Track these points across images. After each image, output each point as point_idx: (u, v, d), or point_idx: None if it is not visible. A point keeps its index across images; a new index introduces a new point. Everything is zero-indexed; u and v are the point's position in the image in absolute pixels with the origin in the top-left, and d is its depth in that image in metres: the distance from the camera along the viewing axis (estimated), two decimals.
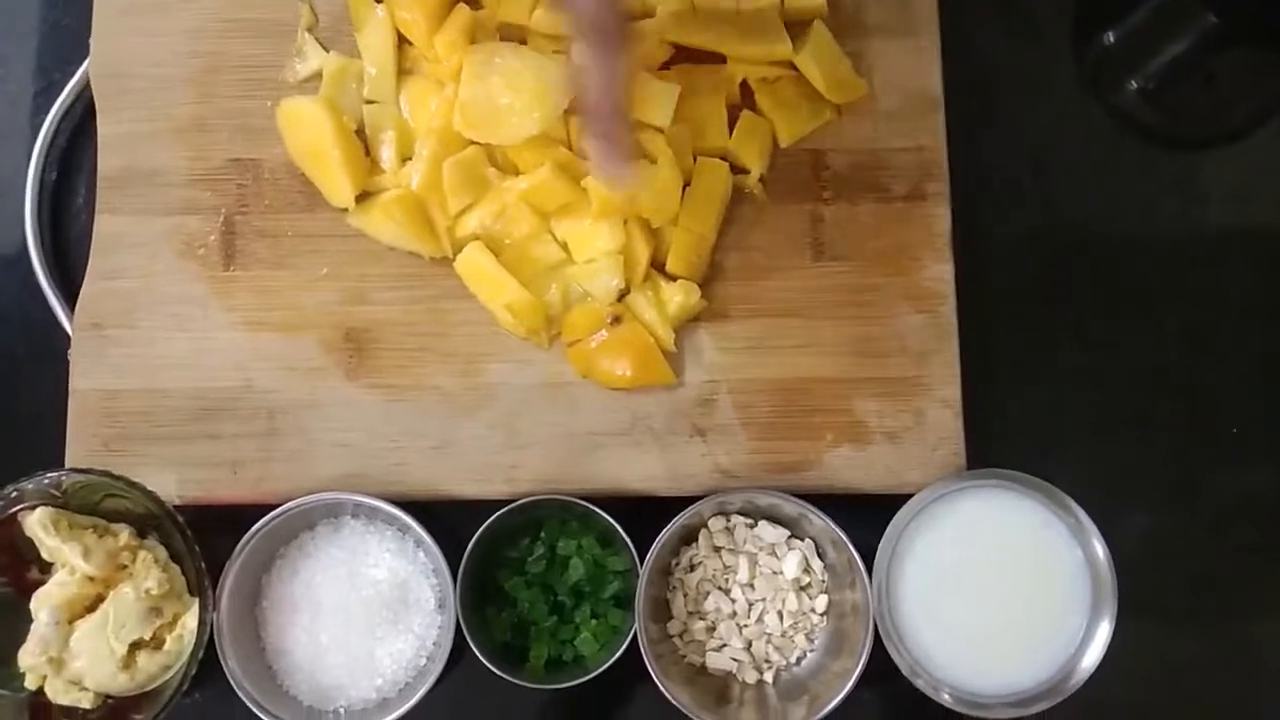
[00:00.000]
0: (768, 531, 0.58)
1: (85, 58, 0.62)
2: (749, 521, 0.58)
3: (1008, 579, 0.54)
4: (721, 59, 0.60)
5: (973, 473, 0.56)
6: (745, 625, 0.57)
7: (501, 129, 0.58)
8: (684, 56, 0.60)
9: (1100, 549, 0.53)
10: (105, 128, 0.61)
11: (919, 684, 0.53)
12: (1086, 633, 0.53)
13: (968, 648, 0.53)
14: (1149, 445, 0.61)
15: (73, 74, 0.62)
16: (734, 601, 0.57)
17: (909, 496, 0.55)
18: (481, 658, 0.54)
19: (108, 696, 0.54)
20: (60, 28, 0.65)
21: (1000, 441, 0.60)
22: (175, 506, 0.55)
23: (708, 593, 0.57)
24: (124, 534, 0.56)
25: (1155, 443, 0.61)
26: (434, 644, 0.56)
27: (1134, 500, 0.60)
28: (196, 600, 0.54)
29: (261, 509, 0.56)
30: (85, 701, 0.54)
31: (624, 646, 0.55)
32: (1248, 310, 0.63)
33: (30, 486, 0.54)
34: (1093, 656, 0.52)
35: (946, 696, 0.53)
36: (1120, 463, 0.61)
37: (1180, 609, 0.60)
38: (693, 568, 0.58)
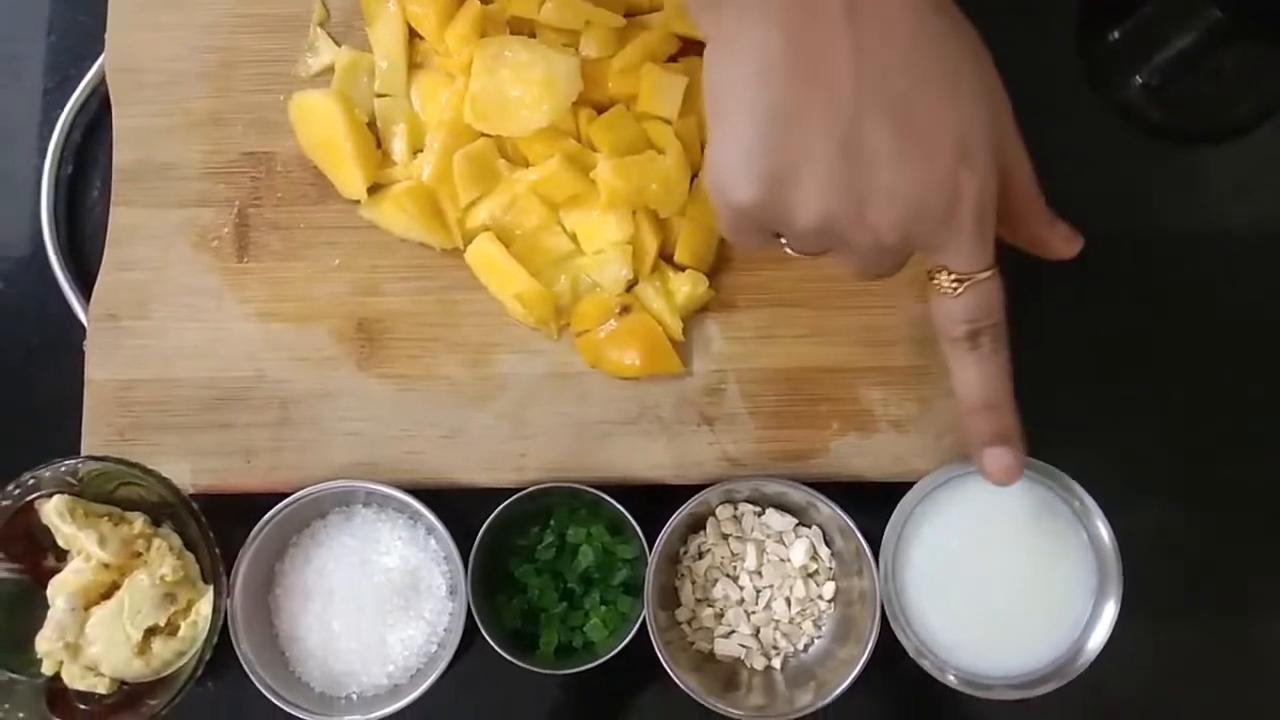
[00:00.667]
0: (775, 519, 0.58)
1: (100, 53, 0.62)
2: (757, 509, 0.59)
3: (1013, 562, 0.54)
4: None
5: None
6: (753, 612, 0.57)
7: (511, 121, 0.58)
8: (692, 49, 0.61)
9: (1105, 531, 0.53)
10: (120, 122, 0.62)
11: (925, 665, 0.53)
12: (1092, 615, 0.53)
13: (973, 630, 0.54)
14: (1153, 435, 0.62)
15: (88, 69, 0.63)
16: (742, 589, 0.58)
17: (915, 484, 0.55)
18: (493, 644, 0.55)
19: (122, 682, 0.55)
20: (75, 24, 0.66)
21: None
22: (189, 495, 0.56)
23: (716, 580, 0.58)
24: (139, 522, 0.56)
25: (1160, 433, 0.62)
26: (445, 630, 0.57)
27: (1138, 489, 0.60)
28: (211, 587, 0.55)
29: (274, 497, 0.57)
30: (100, 687, 0.54)
31: (633, 633, 0.55)
32: (1253, 302, 0.63)
33: (47, 474, 0.55)
34: (1098, 638, 0.53)
35: (952, 678, 0.53)
36: (1124, 453, 0.61)
37: (1184, 599, 0.60)
38: (701, 555, 0.59)
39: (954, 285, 0.43)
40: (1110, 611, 0.53)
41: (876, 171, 0.39)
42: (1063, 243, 0.48)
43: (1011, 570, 0.54)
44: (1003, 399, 0.46)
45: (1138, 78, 0.67)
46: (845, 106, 0.38)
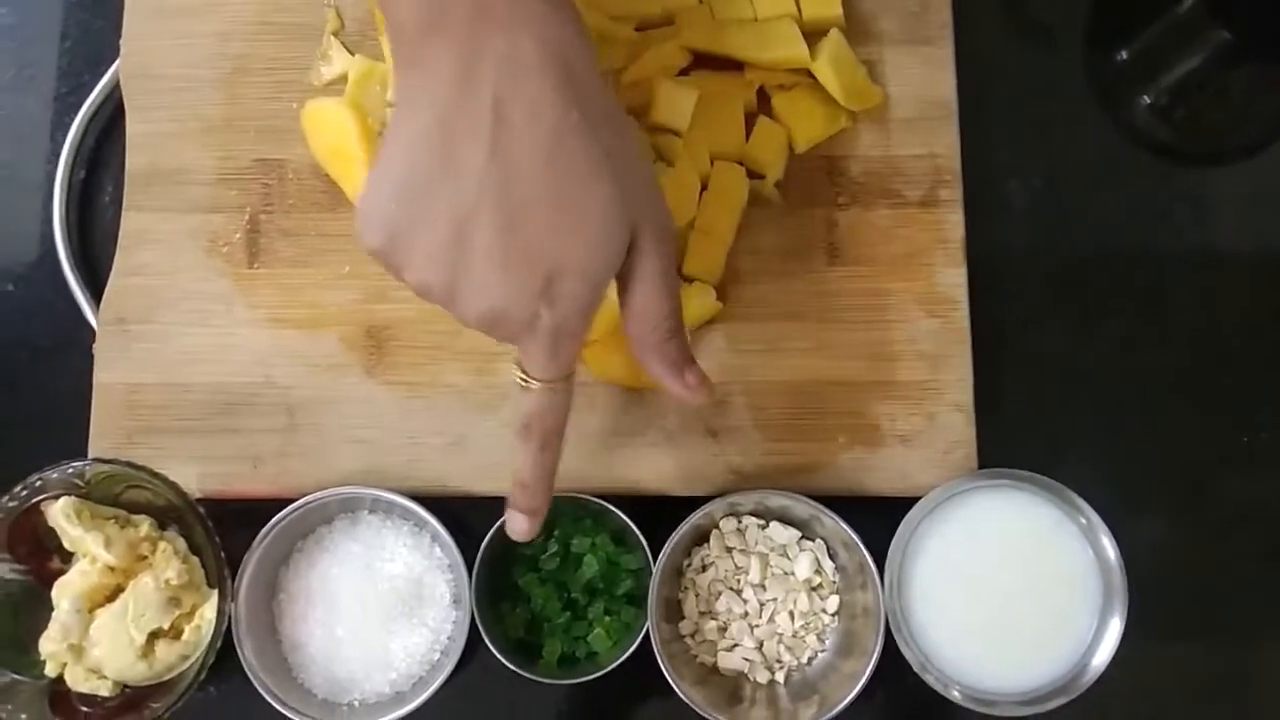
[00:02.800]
0: (779, 532, 0.58)
1: (115, 59, 0.63)
2: (761, 522, 0.59)
3: (1019, 577, 0.54)
4: (740, 66, 0.61)
5: (985, 472, 0.56)
6: (757, 625, 0.57)
7: None
8: (703, 63, 0.61)
9: (1110, 548, 0.53)
10: (134, 127, 0.62)
11: (929, 680, 0.53)
12: (1097, 631, 0.53)
13: (978, 645, 0.54)
14: (1159, 452, 0.62)
15: (102, 75, 0.63)
16: (746, 602, 0.58)
17: (920, 499, 0.55)
18: (496, 653, 0.55)
19: (125, 685, 0.55)
20: (91, 30, 0.66)
21: (1012, 445, 0.60)
22: (195, 499, 0.56)
23: (719, 593, 0.58)
24: (144, 525, 0.56)
25: (1165, 450, 0.62)
26: (448, 638, 0.57)
27: (1144, 506, 0.61)
28: (215, 591, 0.55)
29: (280, 503, 0.57)
30: (104, 689, 0.54)
31: (636, 643, 0.55)
32: (1259, 319, 0.64)
33: (54, 476, 0.55)
34: (1103, 655, 0.53)
35: (956, 693, 0.53)
36: (1130, 470, 0.61)
37: (1190, 616, 0.60)
38: (705, 568, 0.58)
39: (523, 381, 0.46)
40: (1116, 628, 0.53)
41: (473, 266, 0.41)
42: (683, 389, 0.49)
43: (1017, 586, 0.54)
44: (538, 484, 0.49)
45: (1146, 98, 0.67)
46: (467, 197, 0.40)
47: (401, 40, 0.41)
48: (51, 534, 0.55)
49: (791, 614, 0.57)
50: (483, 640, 0.55)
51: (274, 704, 0.55)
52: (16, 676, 0.54)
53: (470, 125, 0.40)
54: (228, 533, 0.55)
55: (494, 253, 0.41)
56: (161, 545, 0.56)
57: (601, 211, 0.41)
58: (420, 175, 0.41)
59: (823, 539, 0.58)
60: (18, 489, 0.54)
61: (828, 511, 0.56)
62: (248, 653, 0.55)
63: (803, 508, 0.56)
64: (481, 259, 0.41)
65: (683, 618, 0.58)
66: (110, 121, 0.64)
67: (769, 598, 0.58)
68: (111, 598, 0.55)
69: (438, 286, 0.42)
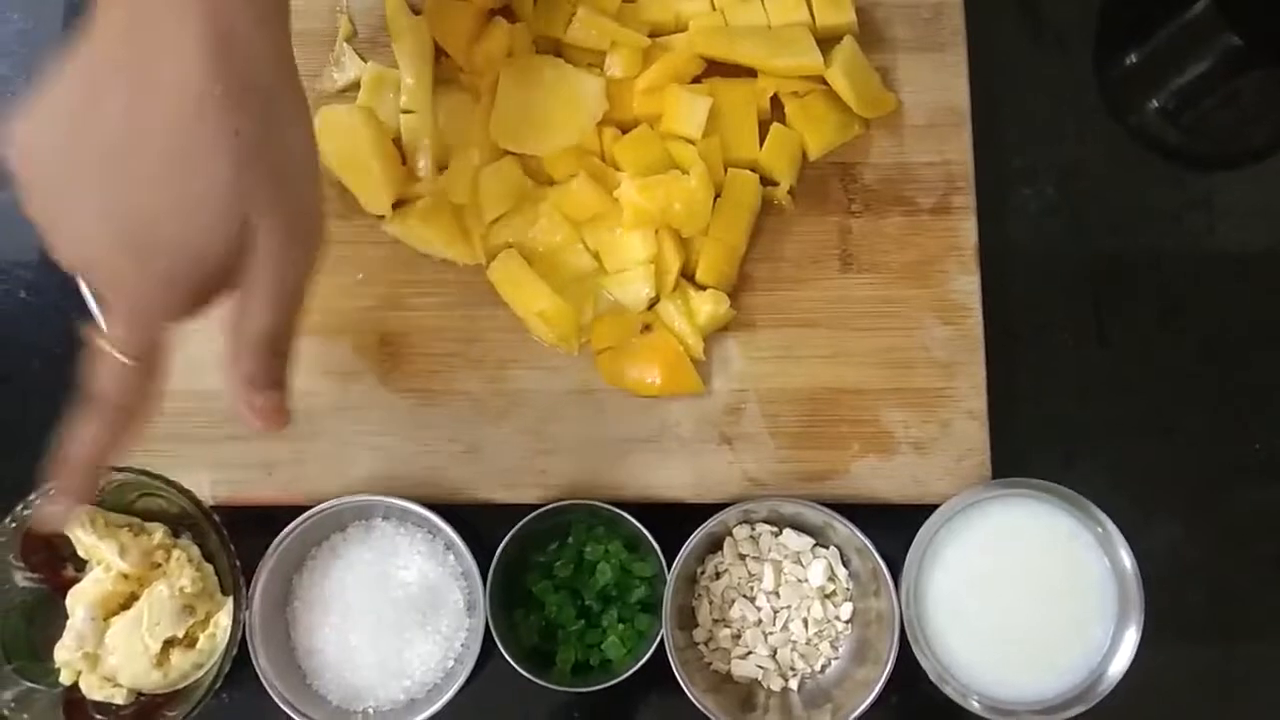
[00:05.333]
0: (793, 540, 0.58)
1: None
2: (774, 529, 0.59)
3: (1036, 586, 0.54)
4: (753, 73, 0.61)
5: (1001, 481, 0.56)
6: (770, 633, 0.57)
7: (536, 139, 0.59)
8: (716, 70, 0.61)
9: (1127, 557, 0.53)
10: None
11: (947, 690, 0.53)
12: (1114, 640, 0.53)
13: (996, 654, 0.54)
14: (1174, 460, 0.62)
15: None
16: (759, 609, 0.58)
17: (934, 507, 0.55)
18: (510, 660, 0.55)
19: (140, 693, 0.55)
20: None
21: (1025, 452, 0.60)
22: (209, 506, 0.56)
23: (733, 600, 0.58)
24: (158, 533, 0.56)
25: (1180, 458, 0.62)
26: (462, 646, 0.57)
27: (1159, 515, 0.61)
28: (229, 599, 0.55)
29: (294, 510, 0.57)
30: (118, 697, 0.54)
31: (650, 651, 0.55)
32: (1272, 323, 0.64)
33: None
34: (1120, 664, 0.53)
35: (975, 703, 0.53)
36: (1145, 478, 0.61)
37: (1206, 623, 0.60)
38: (718, 575, 0.59)
39: (101, 344, 0.44)
40: (1132, 637, 0.53)
41: (76, 206, 0.42)
42: (244, 407, 0.46)
43: (1033, 595, 0.54)
44: (87, 466, 0.47)
45: (1155, 102, 0.67)
46: (91, 141, 0.41)
47: None
48: (66, 542, 0.55)
49: (805, 621, 0.57)
50: (497, 648, 0.55)
51: (288, 711, 0.55)
52: (31, 685, 0.55)
53: (118, 77, 0.41)
54: (241, 540, 0.55)
55: (94, 199, 0.41)
56: (175, 553, 0.56)
57: (206, 190, 0.41)
58: (62, 108, 0.41)
59: (836, 546, 0.58)
60: (32, 498, 0.54)
61: (841, 518, 0.56)
62: (262, 660, 0.55)
63: (816, 515, 0.57)
64: (83, 201, 0.41)
65: (696, 625, 0.58)
66: None
67: (782, 605, 0.58)
68: (126, 606, 0.55)
69: (44, 215, 0.42)
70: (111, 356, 0.44)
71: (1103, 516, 0.54)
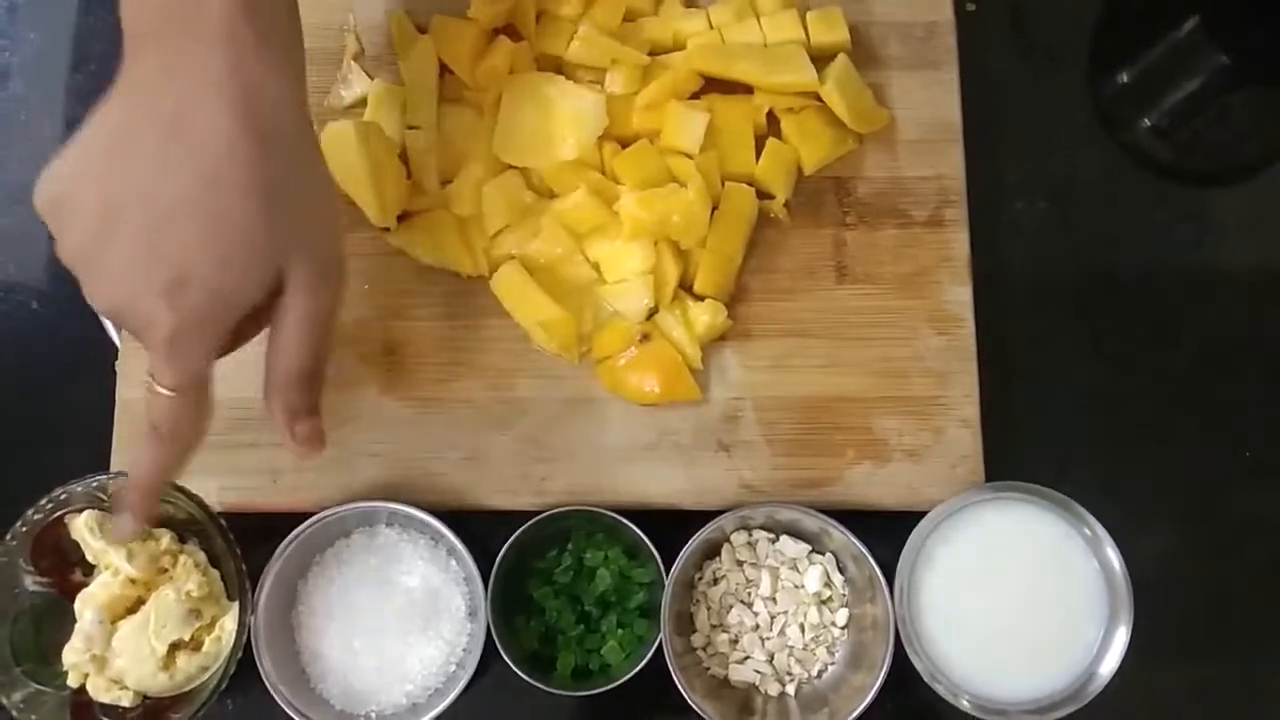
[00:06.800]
0: (789, 546, 0.59)
1: None
2: (771, 536, 0.60)
3: (1026, 588, 0.55)
4: (749, 90, 0.63)
5: (993, 485, 0.57)
6: (768, 638, 0.58)
7: (538, 154, 0.60)
8: (714, 87, 0.63)
9: (1115, 559, 0.54)
10: None
11: (939, 689, 0.54)
12: (1104, 640, 0.54)
13: (987, 654, 0.54)
14: (1163, 466, 0.63)
15: None
16: (756, 615, 0.58)
17: (928, 513, 0.56)
18: (511, 665, 0.56)
19: (146, 696, 0.56)
20: (110, 53, 0.67)
21: (1018, 460, 0.61)
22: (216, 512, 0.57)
23: (731, 606, 0.59)
24: (165, 538, 0.57)
25: (1169, 464, 0.63)
26: (464, 650, 0.58)
27: (1150, 519, 0.61)
28: (235, 604, 0.56)
29: (298, 516, 0.58)
30: (125, 700, 0.55)
31: (649, 656, 0.56)
32: (1260, 335, 0.65)
33: (78, 490, 0.56)
34: (1110, 663, 0.53)
35: (965, 702, 0.54)
36: (1135, 483, 0.62)
37: (1194, 624, 0.61)
38: (716, 581, 0.59)
39: (149, 379, 0.46)
40: (1122, 638, 0.54)
41: (109, 251, 0.43)
42: (288, 437, 0.49)
43: (1024, 596, 0.55)
44: (153, 489, 0.50)
45: (1147, 120, 0.68)
46: (124, 188, 0.42)
47: (127, 38, 0.45)
48: (74, 547, 0.56)
49: (802, 627, 0.58)
50: (498, 652, 0.56)
51: (292, 714, 0.56)
52: (39, 687, 0.55)
53: (150, 129, 0.42)
54: (247, 546, 0.56)
55: (129, 245, 0.42)
56: (182, 558, 0.57)
57: (243, 235, 0.43)
58: (96, 157, 0.43)
59: (832, 552, 0.59)
60: (42, 502, 0.55)
61: (837, 525, 0.56)
62: (266, 664, 0.56)
63: (812, 521, 0.57)
64: (118, 247, 0.43)
65: (694, 630, 0.59)
66: None
67: (779, 610, 0.58)
68: (133, 609, 0.56)
69: (78, 260, 0.44)
70: (163, 394, 0.46)
71: (1091, 519, 0.55)
